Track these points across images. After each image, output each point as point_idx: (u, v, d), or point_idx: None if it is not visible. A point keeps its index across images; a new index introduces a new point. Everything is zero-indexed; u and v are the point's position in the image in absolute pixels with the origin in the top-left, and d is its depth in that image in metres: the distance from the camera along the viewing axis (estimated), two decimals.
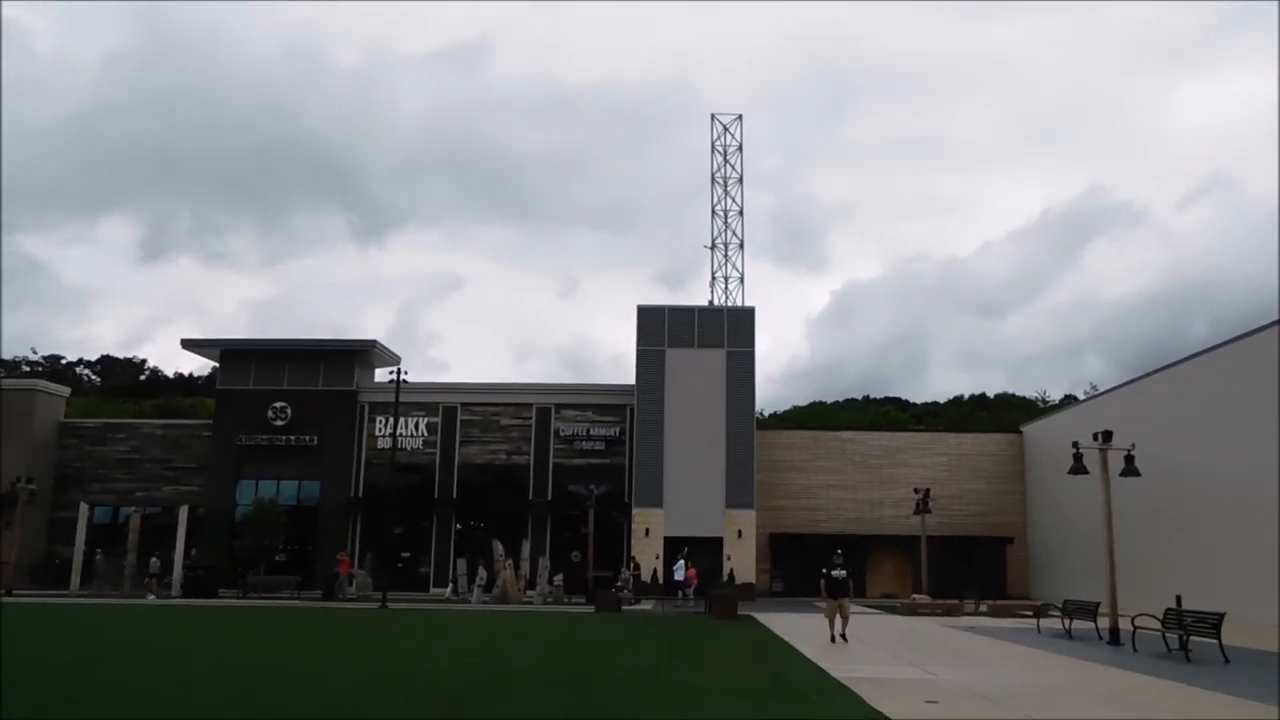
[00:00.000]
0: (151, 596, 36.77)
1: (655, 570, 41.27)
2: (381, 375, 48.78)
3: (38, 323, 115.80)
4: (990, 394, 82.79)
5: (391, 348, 49.40)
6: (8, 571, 37.47)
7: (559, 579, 37.79)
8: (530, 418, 46.54)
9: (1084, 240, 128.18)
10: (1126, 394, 38.68)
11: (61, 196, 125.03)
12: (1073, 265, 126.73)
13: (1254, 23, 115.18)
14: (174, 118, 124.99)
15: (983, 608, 32.74)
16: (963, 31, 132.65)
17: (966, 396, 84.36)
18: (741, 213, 50.16)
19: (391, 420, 42.49)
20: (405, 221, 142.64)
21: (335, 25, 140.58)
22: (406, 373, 38.80)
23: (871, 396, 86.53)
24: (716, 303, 48.64)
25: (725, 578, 39.31)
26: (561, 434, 46.25)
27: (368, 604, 34.35)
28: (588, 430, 46.26)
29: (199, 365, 78.53)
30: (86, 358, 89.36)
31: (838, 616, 20.20)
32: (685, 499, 42.59)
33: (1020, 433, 49.51)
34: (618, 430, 45.96)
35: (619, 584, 36.82)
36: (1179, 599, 20.21)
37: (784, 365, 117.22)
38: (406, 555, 45.70)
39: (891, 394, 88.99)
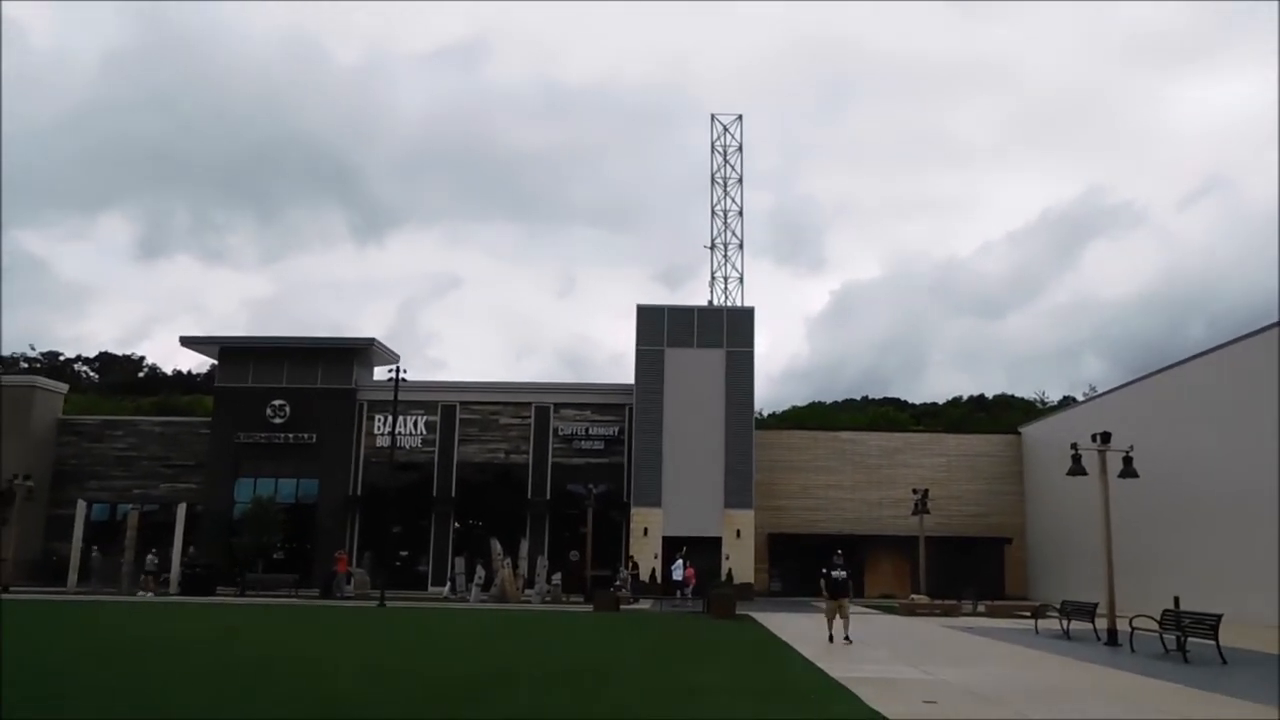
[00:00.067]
0: (149, 594, 36.69)
1: (654, 570, 41.27)
2: (380, 374, 48.80)
3: (36, 319, 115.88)
4: (989, 395, 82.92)
5: (390, 346, 49.40)
6: (6, 569, 37.41)
7: (557, 578, 37.77)
8: (529, 417, 46.52)
9: (1083, 241, 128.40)
10: (1125, 395, 38.70)
11: (60, 193, 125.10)
12: (1072, 266, 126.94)
13: (1254, 23, 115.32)
14: (173, 115, 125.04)
15: (981, 608, 32.76)
16: (962, 31, 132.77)
17: (965, 397, 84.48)
18: (741, 213, 50.21)
19: (390, 419, 42.45)
20: (404, 220, 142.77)
21: (334, 23, 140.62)
22: (405, 371, 38.85)
23: (870, 397, 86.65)
24: (716, 302, 48.67)
25: (724, 577, 39.27)
26: (560, 433, 46.24)
27: (366, 602, 34.32)
28: (586, 429, 46.25)
29: (197, 363, 78.61)
30: (85, 354, 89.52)
31: (837, 617, 20.18)
32: (684, 499, 42.58)
33: (1019, 433, 49.52)
34: (617, 430, 45.94)
35: (617, 583, 36.82)
36: (1177, 600, 20.21)
37: (783, 365, 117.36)
38: (405, 554, 45.66)
39: (890, 394, 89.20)
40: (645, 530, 42.50)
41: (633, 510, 42.98)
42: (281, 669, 14.82)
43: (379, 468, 44.00)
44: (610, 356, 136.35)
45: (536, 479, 45.78)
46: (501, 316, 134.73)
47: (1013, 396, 79.63)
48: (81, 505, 41.93)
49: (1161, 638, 18.67)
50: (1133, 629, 19.47)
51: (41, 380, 51.24)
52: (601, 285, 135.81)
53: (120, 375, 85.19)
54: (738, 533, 42.46)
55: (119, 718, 10.36)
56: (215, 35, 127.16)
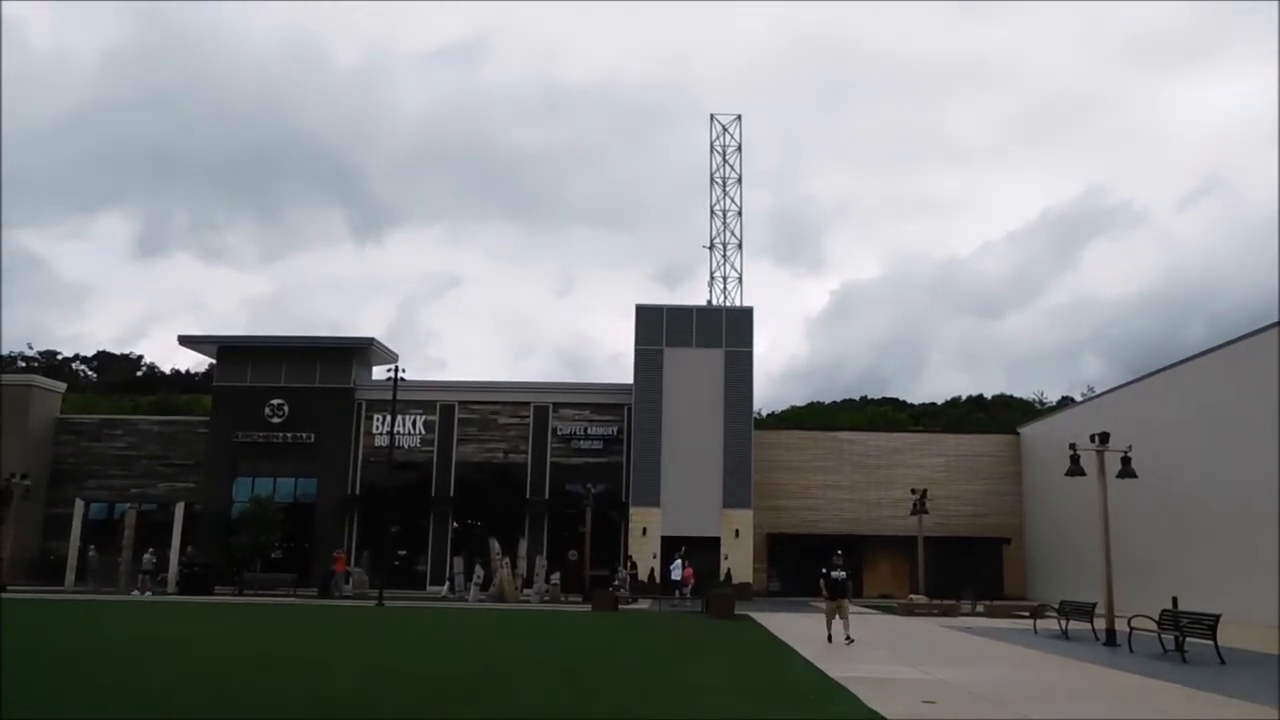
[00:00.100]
0: (148, 593, 36.63)
1: (652, 569, 41.28)
2: (379, 373, 48.74)
3: (34, 318, 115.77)
4: (988, 395, 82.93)
5: (389, 345, 49.40)
6: (3, 568, 37.37)
7: (556, 578, 37.76)
8: (528, 416, 46.51)
9: (1083, 241, 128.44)
10: (1124, 395, 38.72)
11: (59, 192, 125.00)
12: (1071, 266, 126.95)
13: (1254, 23, 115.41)
14: (173, 114, 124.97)
15: (980, 608, 32.76)
16: (962, 31, 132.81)
17: (964, 397, 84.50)
18: (740, 212, 50.22)
19: (389, 418, 42.42)
20: (404, 219, 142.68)
21: (334, 23, 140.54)
22: (404, 371, 38.82)
23: (869, 397, 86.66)
24: (715, 302, 48.67)
25: (722, 577, 39.31)
26: (559, 433, 46.23)
27: (364, 602, 34.30)
28: (585, 429, 46.24)
29: (196, 362, 78.44)
30: (83, 353, 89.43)
31: (836, 617, 20.17)
32: (683, 498, 42.57)
33: (1018, 434, 49.55)
34: (615, 429, 45.94)
35: (616, 583, 36.80)
36: (1175, 600, 20.22)
37: (782, 365, 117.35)
38: (403, 553, 45.64)
39: (889, 394, 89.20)
40: (644, 530, 42.50)
41: (631, 510, 42.98)
42: (280, 669, 14.80)
43: (377, 467, 43.98)
44: (609, 356, 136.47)
45: (535, 479, 45.77)
46: (501, 316, 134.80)
47: (1012, 397, 79.67)
48: (79, 504, 41.91)
49: (1160, 638, 18.68)
50: (1131, 629, 19.49)
51: (39, 379, 51.20)
52: (601, 285, 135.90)
53: (118, 374, 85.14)
54: (736, 533, 42.46)
55: (118, 718, 10.35)
56: (215, 35, 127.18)
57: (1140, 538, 33.19)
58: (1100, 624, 21.62)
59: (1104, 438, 22.50)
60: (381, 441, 44.76)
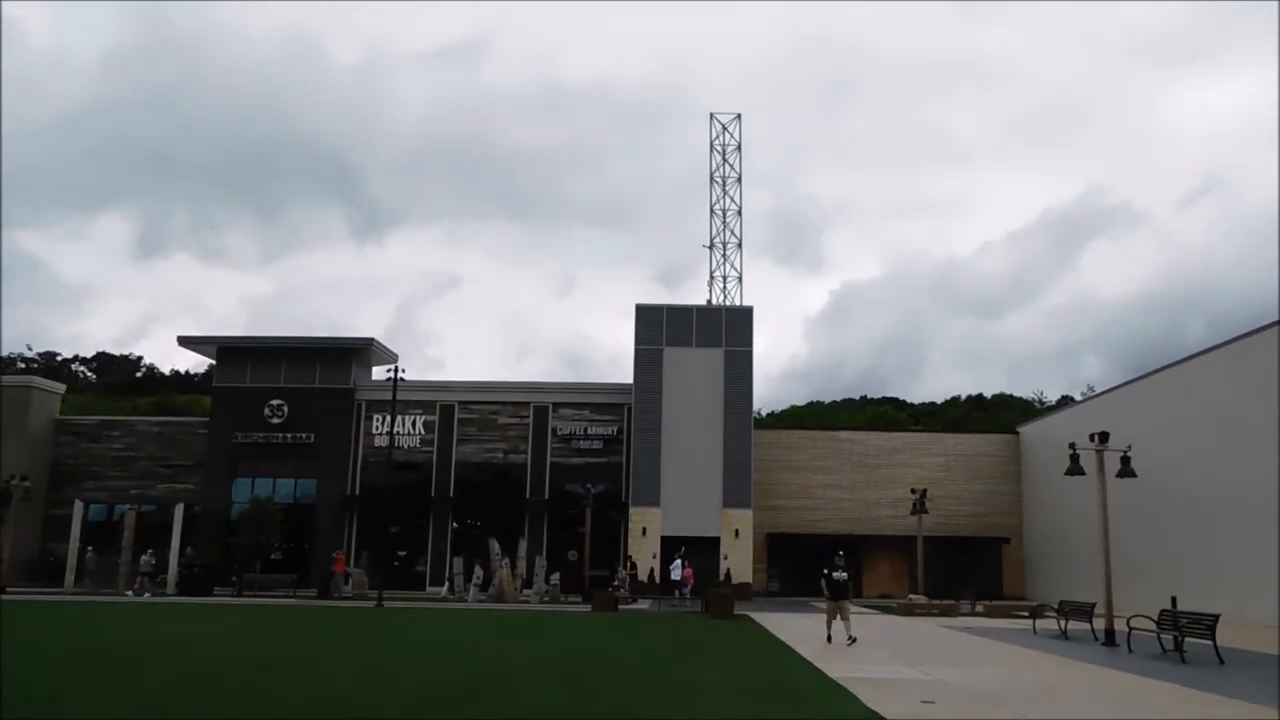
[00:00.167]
0: (145, 594, 36.63)
1: (652, 569, 41.28)
2: (379, 373, 48.69)
3: (34, 319, 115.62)
4: (987, 394, 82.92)
5: (389, 346, 49.40)
6: (3, 569, 37.35)
7: (555, 578, 37.76)
8: (528, 416, 46.50)
9: (1082, 241, 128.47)
10: (1124, 395, 38.72)
11: (59, 192, 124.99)
12: (1071, 266, 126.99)
13: (1254, 23, 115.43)
14: (172, 114, 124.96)
15: (979, 608, 32.78)
16: (961, 31, 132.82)
17: (964, 397, 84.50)
18: (740, 212, 50.22)
19: (389, 418, 42.43)
20: (403, 219, 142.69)
21: (334, 23, 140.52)
22: (404, 371, 38.75)
23: (869, 396, 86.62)
24: (715, 302, 48.67)
25: (722, 577, 39.30)
26: (559, 433, 46.23)
27: (364, 602, 34.29)
28: (585, 429, 46.24)
29: (195, 362, 78.50)
30: (82, 354, 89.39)
31: (837, 618, 20.17)
32: (682, 498, 42.57)
33: (1017, 433, 49.55)
34: (615, 429, 45.94)
35: (616, 583, 36.80)
36: (1174, 600, 20.23)
37: (782, 365, 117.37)
38: (403, 554, 45.63)
39: (889, 394, 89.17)
40: (644, 530, 42.50)
41: (631, 510, 42.98)
42: (279, 669, 14.81)
43: (377, 467, 43.98)
44: (609, 356, 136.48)
45: (535, 479, 45.76)
46: (500, 316, 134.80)
47: (1011, 396, 79.68)
48: (79, 506, 41.90)
49: (1159, 638, 18.68)
50: (1130, 629, 19.48)
51: (39, 380, 51.18)
52: (600, 285, 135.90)
53: (118, 375, 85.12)
54: (736, 532, 42.46)
55: (118, 718, 10.35)
56: (215, 35, 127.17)
57: (1139, 537, 33.20)
58: (1099, 624, 21.63)
59: (1103, 437, 22.51)
60: (381, 442, 44.76)
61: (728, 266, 49.50)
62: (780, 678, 14.65)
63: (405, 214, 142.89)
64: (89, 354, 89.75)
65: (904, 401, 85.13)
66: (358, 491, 46.01)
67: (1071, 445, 23.39)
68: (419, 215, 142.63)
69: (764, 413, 73.01)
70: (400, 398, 39.66)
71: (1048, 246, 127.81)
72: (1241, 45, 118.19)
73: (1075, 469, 23.18)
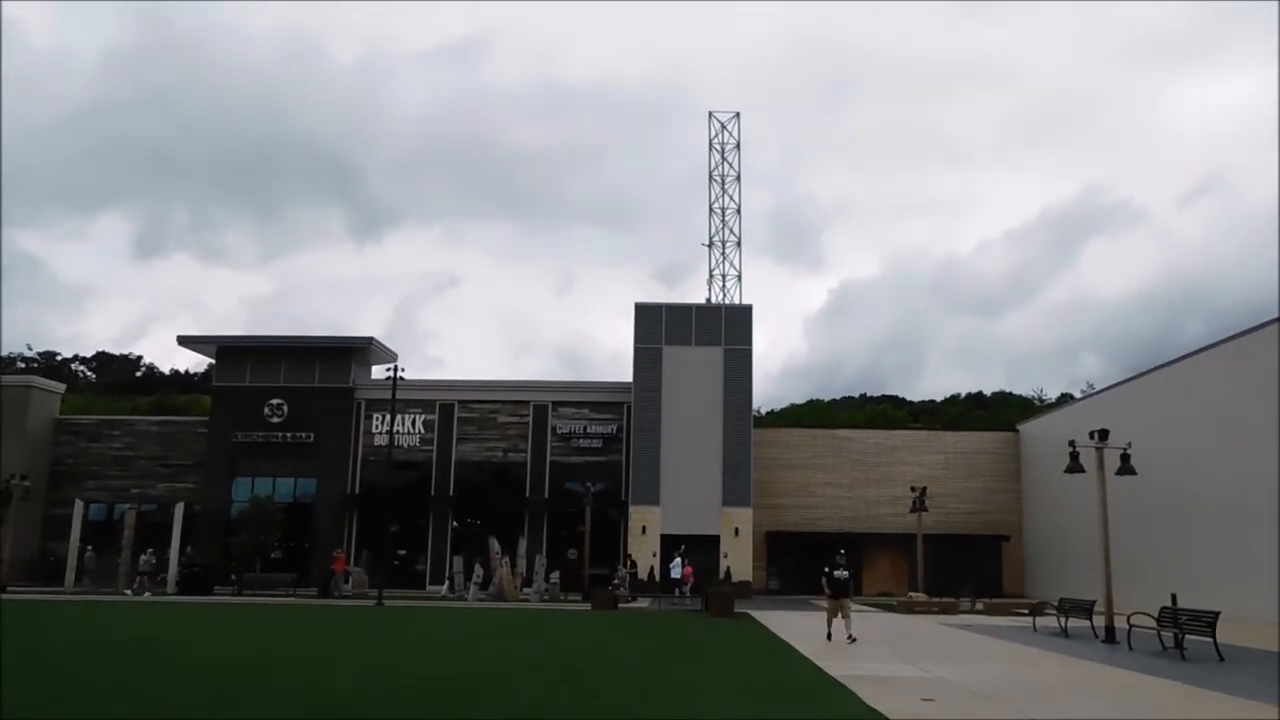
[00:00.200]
0: (145, 594, 36.60)
1: (652, 568, 41.28)
2: (378, 372, 48.62)
3: (33, 319, 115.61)
4: (987, 392, 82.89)
5: (388, 345, 49.35)
6: (3, 569, 37.35)
7: (555, 577, 37.74)
8: (527, 415, 46.49)
9: (1082, 239, 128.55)
10: (1123, 393, 38.71)
11: (58, 192, 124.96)
12: (1070, 264, 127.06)
13: (1254, 23, 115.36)
14: (171, 114, 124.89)
15: (979, 606, 32.77)
16: (961, 31, 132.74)
17: (963, 395, 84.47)
18: (739, 211, 50.23)
19: (388, 417, 42.42)
20: (403, 218, 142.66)
21: (334, 23, 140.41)
22: (403, 370, 38.75)
23: (868, 395, 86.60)
24: (714, 300, 48.67)
25: (722, 575, 39.27)
26: (558, 431, 46.22)
27: (363, 601, 34.30)
28: (585, 428, 46.23)
29: (195, 362, 78.41)
30: (82, 354, 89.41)
31: (837, 616, 20.18)
32: (682, 497, 42.57)
33: (1017, 431, 49.55)
34: (615, 428, 45.93)
35: (615, 582, 36.80)
36: (1174, 597, 20.23)
37: (781, 363, 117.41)
38: (403, 553, 45.62)
39: (889, 392, 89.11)
40: (643, 528, 42.50)
41: (631, 508, 42.98)
42: (279, 669, 14.80)
43: (377, 467, 43.97)
44: (609, 355, 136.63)
45: (535, 477, 45.75)
46: (500, 315, 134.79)
47: (1011, 394, 79.67)
48: (79, 505, 41.85)
49: (1159, 635, 18.68)
50: (1130, 626, 19.49)
51: (39, 380, 51.16)
52: (600, 283, 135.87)
53: (118, 375, 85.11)
54: (736, 531, 42.46)
55: (118, 718, 10.35)
56: (215, 35, 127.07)
57: (1139, 535, 33.20)
58: (1099, 621, 21.63)
59: (1103, 435, 22.50)
60: (381, 441, 44.75)
61: (727, 265, 49.56)
62: (780, 676, 14.65)
63: (405, 213, 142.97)
64: (89, 354, 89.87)
65: (903, 399, 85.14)
66: (357, 490, 46.00)
67: (1071, 443, 23.39)
68: (418, 215, 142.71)
69: (763, 411, 73.03)
70: (400, 397, 39.66)
71: (1047, 245, 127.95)
72: (1241, 45, 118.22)
73: (1075, 467, 23.20)
